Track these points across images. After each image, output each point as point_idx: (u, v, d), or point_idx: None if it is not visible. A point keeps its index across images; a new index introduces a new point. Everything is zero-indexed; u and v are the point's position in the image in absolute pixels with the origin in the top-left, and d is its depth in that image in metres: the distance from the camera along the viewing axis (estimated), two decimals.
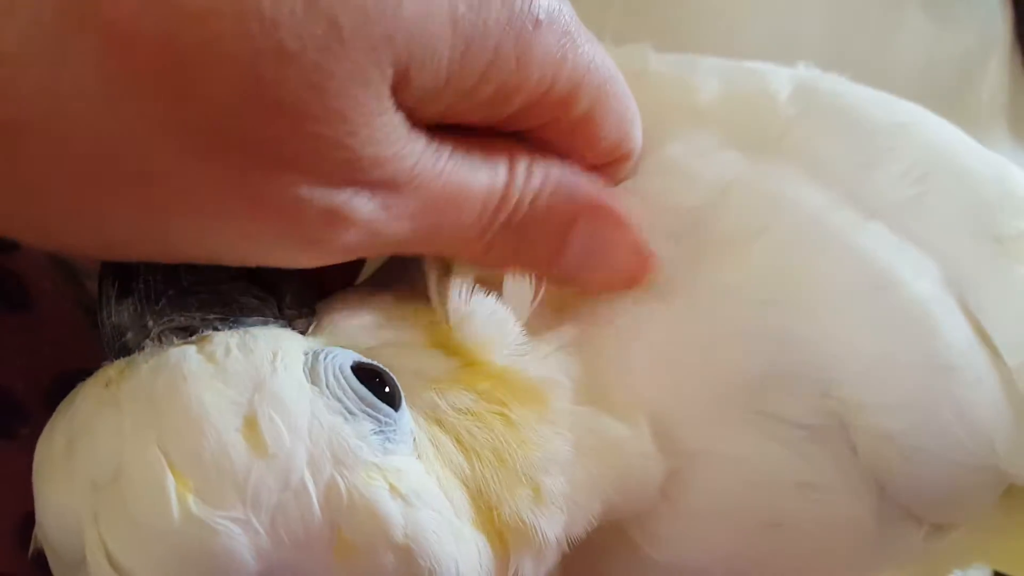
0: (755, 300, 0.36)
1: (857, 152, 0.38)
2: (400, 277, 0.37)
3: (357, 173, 0.29)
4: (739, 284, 0.36)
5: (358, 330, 0.34)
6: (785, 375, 0.36)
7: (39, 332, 0.42)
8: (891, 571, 0.40)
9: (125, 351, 0.31)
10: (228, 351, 0.30)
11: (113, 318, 0.31)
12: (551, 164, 0.35)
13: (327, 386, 0.30)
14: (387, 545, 0.29)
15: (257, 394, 0.29)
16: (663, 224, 0.37)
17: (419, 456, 0.31)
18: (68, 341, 0.42)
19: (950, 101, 0.49)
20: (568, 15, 0.32)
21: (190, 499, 0.27)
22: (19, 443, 0.38)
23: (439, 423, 0.33)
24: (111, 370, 0.31)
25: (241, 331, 0.31)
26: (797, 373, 0.36)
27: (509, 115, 0.33)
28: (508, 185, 0.34)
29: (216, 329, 0.31)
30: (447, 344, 0.34)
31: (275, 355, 0.30)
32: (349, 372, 0.31)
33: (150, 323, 0.31)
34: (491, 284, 0.35)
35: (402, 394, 0.32)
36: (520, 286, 0.35)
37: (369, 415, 0.30)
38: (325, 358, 0.31)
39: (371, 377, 0.31)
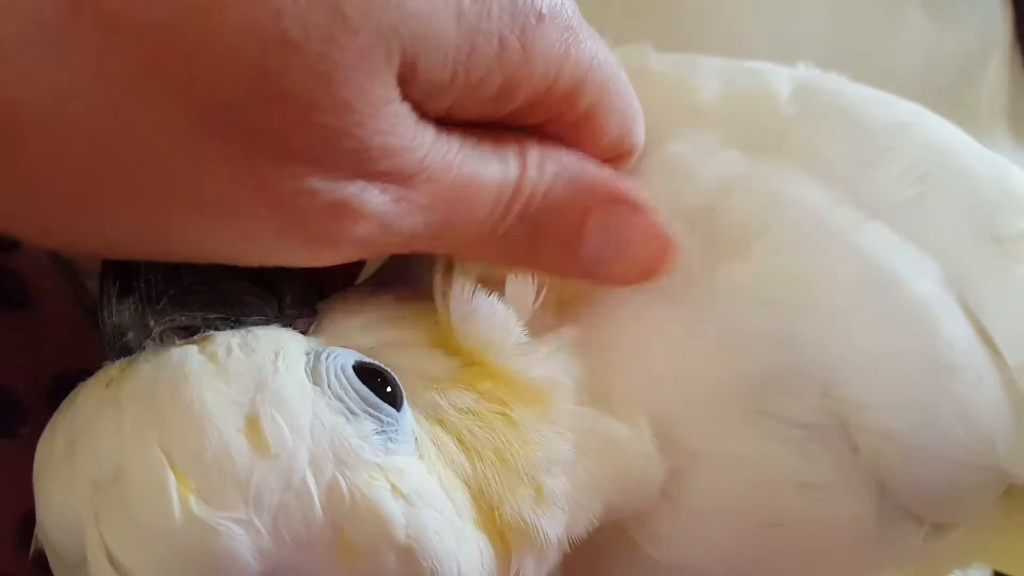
0: (756, 299, 0.36)
1: (858, 152, 0.38)
2: (401, 277, 0.37)
3: (366, 164, 0.29)
4: (740, 283, 0.36)
5: (359, 330, 0.34)
6: (786, 375, 0.36)
7: (39, 331, 0.41)
8: (891, 571, 0.40)
9: (126, 351, 0.31)
10: (230, 351, 0.30)
11: (114, 317, 0.31)
12: (562, 155, 0.34)
13: (329, 386, 0.30)
14: (389, 545, 0.29)
15: (259, 394, 0.29)
16: (664, 224, 0.37)
17: (421, 456, 0.31)
18: (68, 340, 0.42)
19: (950, 101, 0.49)
20: (570, 10, 0.32)
21: (192, 499, 0.27)
22: (19, 442, 0.38)
23: (441, 423, 0.33)
24: (112, 370, 0.30)
25: (243, 331, 0.31)
26: (798, 372, 0.36)
27: (512, 111, 0.33)
28: (520, 177, 0.33)
29: (217, 329, 0.31)
30: (448, 344, 0.34)
31: (277, 355, 0.30)
32: (351, 372, 0.31)
33: (151, 323, 0.30)
34: (493, 284, 0.35)
35: (404, 394, 0.32)
36: (522, 286, 0.35)
37: (371, 415, 0.30)
38: (327, 358, 0.31)
39: (373, 377, 0.31)
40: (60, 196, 0.27)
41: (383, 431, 0.30)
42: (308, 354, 0.31)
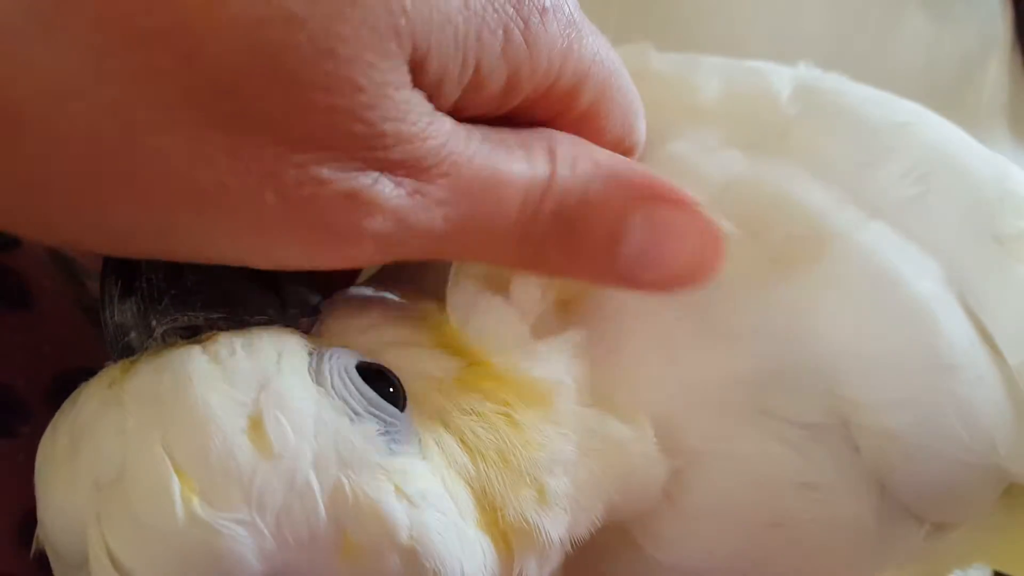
0: (757, 299, 0.36)
1: (858, 151, 0.38)
2: (403, 277, 0.37)
3: (377, 152, 0.28)
4: (740, 283, 0.36)
5: (362, 330, 0.34)
6: (787, 374, 0.36)
7: (40, 330, 0.41)
8: (891, 571, 0.40)
9: (128, 351, 0.31)
10: (233, 351, 0.30)
11: (116, 317, 0.31)
12: (596, 152, 0.33)
13: (332, 387, 0.30)
14: (392, 546, 0.29)
15: (262, 395, 0.29)
16: None
17: (424, 457, 0.31)
18: (69, 339, 0.42)
19: (950, 101, 0.49)
20: (572, 6, 0.32)
21: (194, 500, 0.27)
22: (20, 441, 0.38)
23: (444, 423, 0.33)
24: (115, 370, 0.30)
25: (246, 331, 0.31)
26: (799, 372, 0.36)
27: (513, 108, 0.32)
28: (551, 175, 0.32)
29: (220, 329, 0.31)
30: (451, 344, 0.34)
31: (280, 355, 0.30)
32: (354, 372, 0.31)
33: (154, 323, 0.30)
34: (496, 284, 0.35)
35: (407, 394, 0.32)
36: (525, 285, 0.35)
37: (374, 416, 0.30)
38: (330, 358, 0.31)
39: (376, 377, 0.31)
40: (60, 194, 0.27)
41: (386, 432, 0.30)
42: (311, 354, 0.31)
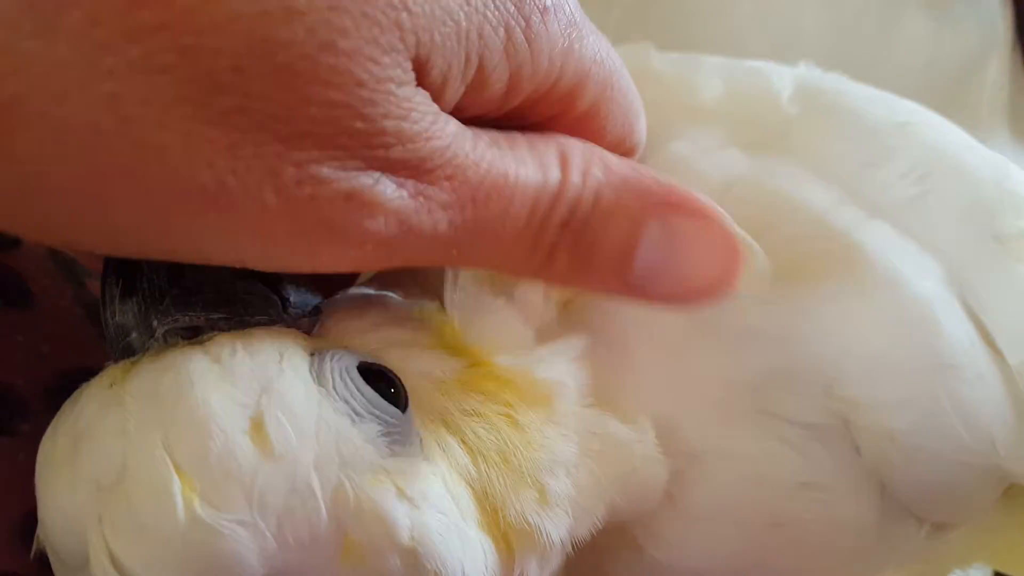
0: (758, 299, 0.36)
1: (859, 151, 0.39)
2: (404, 277, 0.37)
3: (378, 150, 0.27)
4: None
5: (363, 331, 0.34)
6: (788, 374, 0.36)
7: (40, 329, 0.41)
8: (891, 571, 0.40)
9: (129, 351, 0.30)
10: (234, 352, 0.30)
11: (117, 318, 0.31)
12: (610, 158, 0.32)
13: (334, 387, 0.30)
14: (393, 547, 0.29)
15: (264, 395, 0.29)
16: None
17: (425, 458, 0.31)
18: (69, 339, 0.42)
19: (950, 101, 0.49)
20: (573, 5, 0.32)
21: (196, 501, 0.27)
22: (20, 440, 0.38)
23: (445, 424, 0.33)
24: (116, 370, 0.30)
25: (247, 332, 0.31)
26: (800, 372, 0.36)
27: (513, 108, 0.32)
28: (563, 182, 0.31)
29: (221, 329, 0.30)
30: (453, 345, 0.34)
31: (281, 356, 0.30)
32: (355, 373, 0.31)
33: (155, 323, 0.30)
34: (499, 285, 0.35)
35: (408, 395, 0.32)
36: (528, 286, 0.35)
37: (376, 417, 0.30)
38: (331, 359, 0.31)
39: (377, 378, 0.31)
40: (58, 192, 0.26)
41: (388, 433, 0.30)
42: (312, 355, 0.31)
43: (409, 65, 0.27)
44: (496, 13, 0.29)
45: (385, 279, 0.38)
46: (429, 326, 0.35)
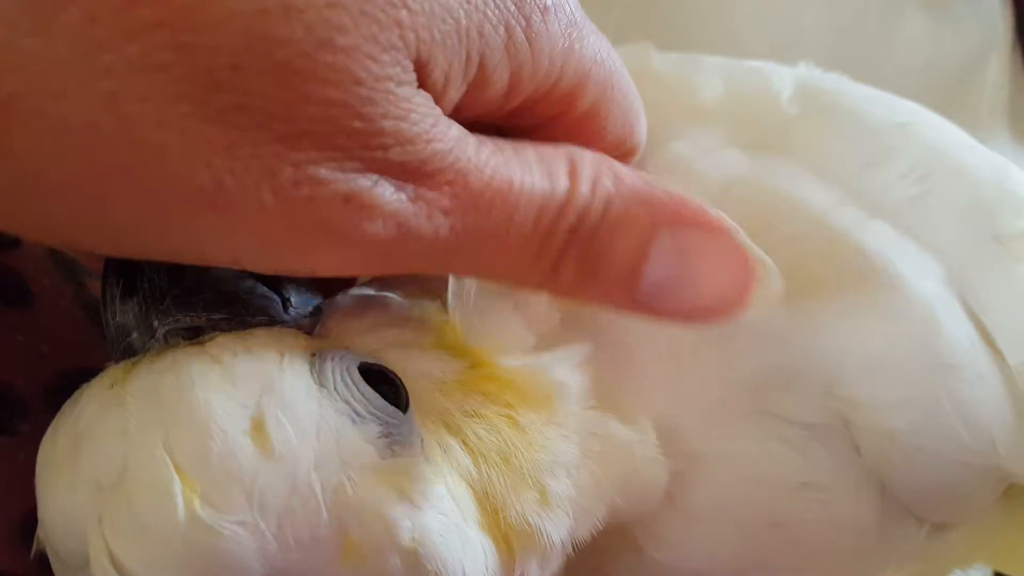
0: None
1: (859, 151, 0.39)
2: (405, 277, 0.37)
3: (376, 151, 0.27)
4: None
5: (364, 331, 0.34)
6: (788, 374, 0.36)
7: (40, 329, 0.41)
8: (891, 571, 0.40)
9: (130, 351, 0.30)
10: (235, 352, 0.30)
11: (118, 318, 0.31)
12: (621, 169, 0.31)
13: (334, 388, 0.30)
14: (394, 548, 0.29)
15: (265, 396, 0.29)
16: None
17: (426, 458, 0.31)
18: (68, 339, 0.42)
19: (950, 101, 0.49)
20: (573, 5, 0.32)
21: (196, 501, 0.27)
22: (20, 440, 0.38)
23: (446, 425, 0.32)
24: (116, 371, 0.30)
25: (247, 332, 0.31)
26: (800, 372, 0.36)
27: (514, 109, 0.32)
28: (570, 191, 0.30)
29: (222, 329, 0.30)
30: (454, 346, 0.34)
31: (282, 357, 0.30)
32: (356, 374, 0.31)
33: (155, 323, 0.30)
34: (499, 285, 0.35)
35: (409, 396, 0.31)
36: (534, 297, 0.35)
37: (376, 417, 0.30)
38: (332, 359, 0.31)
39: (378, 379, 0.31)
40: (56, 190, 0.26)
41: (388, 433, 0.30)
42: (313, 355, 0.31)
43: (410, 65, 0.27)
44: (496, 12, 0.29)
45: (386, 279, 0.38)
46: (430, 327, 0.35)
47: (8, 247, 0.42)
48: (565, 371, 0.35)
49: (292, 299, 0.33)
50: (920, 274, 0.36)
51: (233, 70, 0.25)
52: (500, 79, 0.30)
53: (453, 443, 0.32)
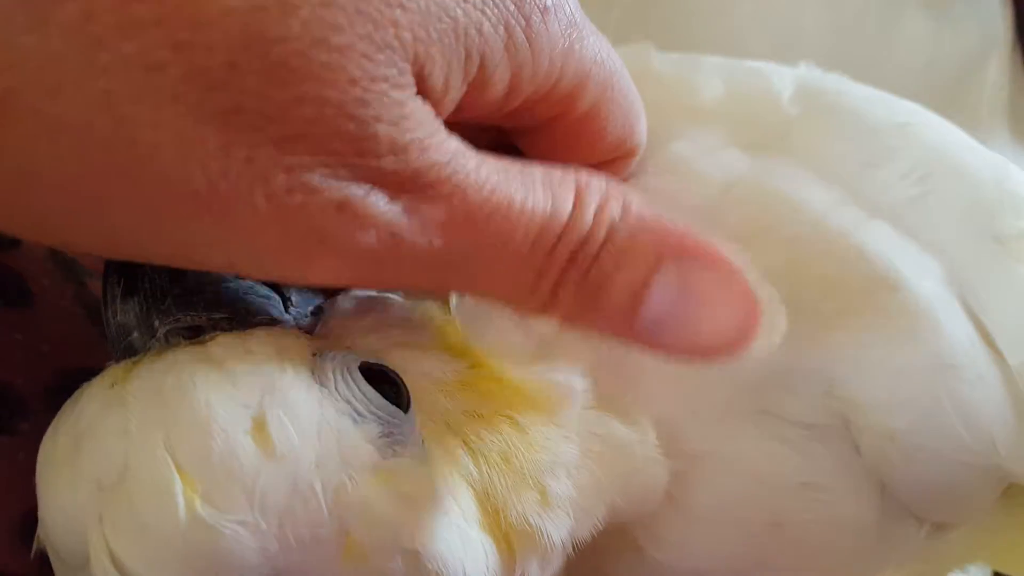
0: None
1: (860, 151, 0.39)
2: None
3: (369, 158, 0.26)
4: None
5: (365, 331, 0.34)
6: (788, 374, 0.36)
7: (39, 328, 0.41)
8: (891, 571, 0.40)
9: (131, 351, 0.31)
10: (236, 352, 0.30)
11: (119, 317, 0.31)
12: (630, 196, 0.31)
13: (335, 388, 0.30)
14: (395, 548, 0.29)
15: (266, 396, 0.29)
16: None
17: (427, 458, 0.31)
18: (69, 338, 0.42)
19: (950, 101, 0.49)
20: (573, 6, 0.32)
21: (197, 501, 0.27)
22: (20, 439, 0.38)
23: (447, 425, 0.33)
24: (117, 370, 0.30)
25: (249, 332, 0.31)
26: (800, 372, 0.36)
27: (513, 109, 0.32)
28: (574, 215, 0.29)
29: (223, 329, 0.31)
30: (455, 346, 0.34)
31: (283, 356, 0.30)
32: (357, 373, 0.31)
33: (156, 323, 0.30)
34: None
35: (410, 396, 0.31)
36: None
37: (377, 417, 0.30)
38: (333, 359, 0.31)
39: (379, 379, 0.31)
40: (50, 190, 0.26)
41: (389, 433, 0.30)
42: (314, 355, 0.31)
43: (407, 68, 0.27)
44: (495, 11, 0.29)
45: None
46: (431, 327, 0.35)
47: (8, 247, 0.42)
48: (566, 372, 0.35)
49: (293, 299, 0.33)
50: (920, 274, 0.36)
51: (229, 69, 0.25)
52: (501, 79, 0.30)
53: (454, 443, 0.32)
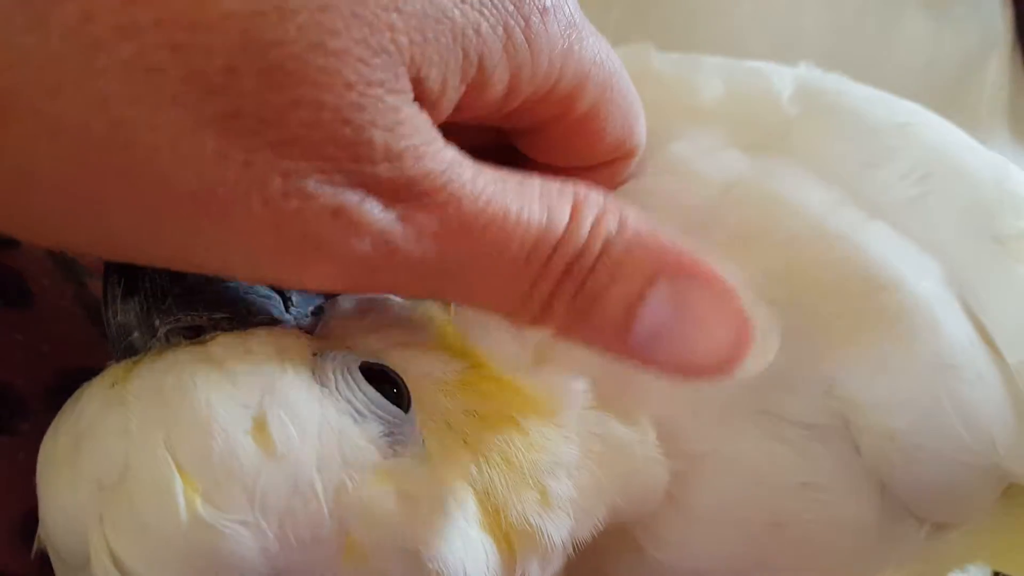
0: (758, 299, 0.36)
1: (859, 152, 0.39)
2: None
3: (364, 164, 0.26)
4: (742, 284, 0.36)
5: (365, 331, 0.34)
6: (788, 374, 0.36)
7: (39, 328, 0.41)
8: (891, 571, 0.40)
9: (131, 351, 0.31)
10: (236, 352, 0.30)
11: (119, 317, 0.31)
12: (628, 211, 0.30)
13: (336, 387, 0.30)
14: (396, 548, 0.29)
15: (267, 395, 0.29)
16: (667, 224, 0.37)
17: (427, 458, 0.31)
18: (68, 338, 0.42)
19: (950, 101, 0.49)
20: (572, 6, 0.32)
21: (198, 501, 0.27)
22: (20, 439, 0.38)
23: (447, 425, 0.32)
24: (118, 370, 0.30)
25: (249, 332, 0.31)
26: (800, 372, 0.36)
27: (512, 110, 0.32)
28: (570, 228, 0.29)
29: (224, 329, 0.31)
30: (455, 346, 0.34)
31: (284, 356, 0.30)
32: (358, 373, 0.31)
33: (157, 323, 0.30)
34: None
35: (410, 396, 0.32)
36: None
37: (378, 417, 0.30)
38: (333, 359, 0.31)
39: (379, 378, 0.31)
40: (48, 191, 0.26)
41: (390, 433, 0.30)
42: (315, 355, 0.31)
43: (403, 72, 0.27)
44: (494, 12, 0.29)
45: None
46: (431, 327, 0.35)
47: (8, 247, 0.42)
48: (566, 372, 0.35)
49: (293, 299, 0.33)
50: (920, 274, 0.36)
51: (228, 73, 0.25)
52: (500, 80, 0.30)
53: (455, 443, 0.32)
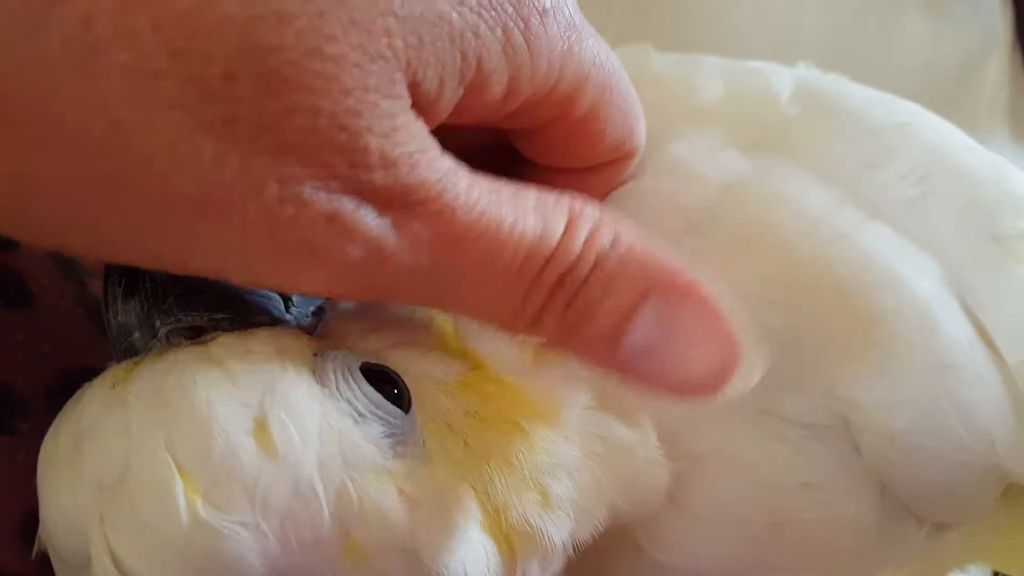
0: (758, 300, 0.36)
1: (859, 152, 0.38)
2: None
3: (360, 171, 0.26)
4: (742, 284, 0.36)
5: (366, 331, 0.34)
6: (788, 374, 0.36)
7: (39, 328, 0.41)
8: (891, 571, 0.40)
9: (132, 351, 0.31)
10: (237, 352, 0.30)
11: (120, 317, 0.31)
12: (622, 225, 0.31)
13: (337, 388, 0.30)
14: (396, 549, 0.29)
15: (267, 396, 0.29)
16: (666, 224, 0.37)
17: (428, 459, 0.31)
18: (68, 338, 0.42)
19: (950, 101, 0.49)
20: (572, 7, 0.32)
21: (198, 502, 0.27)
22: (20, 439, 0.38)
23: (448, 426, 0.32)
24: (118, 370, 0.30)
25: (250, 332, 0.31)
26: (800, 372, 0.36)
27: (512, 112, 0.32)
28: (566, 237, 0.30)
29: (224, 329, 0.31)
30: (456, 347, 0.34)
31: (284, 356, 0.30)
32: (358, 374, 0.31)
33: (157, 323, 0.30)
34: None
35: (411, 396, 0.32)
36: None
37: (379, 418, 0.30)
38: (334, 360, 0.31)
39: (380, 379, 0.31)
40: (46, 193, 0.26)
41: (391, 434, 0.30)
42: (315, 355, 0.31)
43: (400, 78, 0.27)
44: (492, 14, 0.29)
45: None
46: (431, 328, 0.35)
47: (8, 247, 0.42)
48: (566, 373, 0.35)
49: (294, 299, 0.33)
50: (919, 274, 0.36)
51: (226, 79, 0.25)
52: (499, 81, 0.30)
53: (454, 443, 0.32)
